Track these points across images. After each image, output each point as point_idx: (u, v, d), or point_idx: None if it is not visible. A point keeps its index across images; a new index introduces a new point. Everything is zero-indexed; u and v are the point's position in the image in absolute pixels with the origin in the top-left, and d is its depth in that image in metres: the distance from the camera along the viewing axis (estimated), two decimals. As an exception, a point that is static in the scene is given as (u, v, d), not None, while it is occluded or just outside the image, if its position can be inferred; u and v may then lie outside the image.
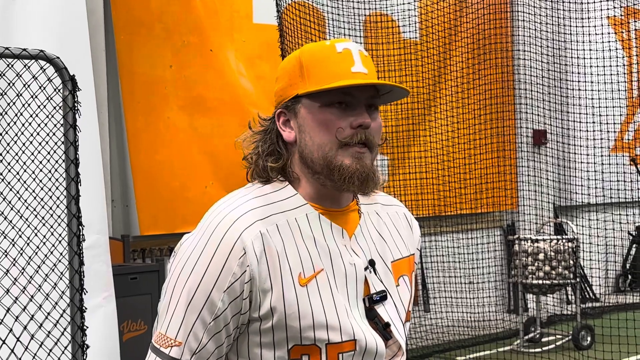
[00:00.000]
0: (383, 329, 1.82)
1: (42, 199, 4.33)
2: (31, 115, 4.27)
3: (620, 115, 10.90)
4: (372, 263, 1.85)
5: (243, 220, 1.75)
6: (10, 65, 4.03)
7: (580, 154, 10.05)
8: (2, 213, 4.26)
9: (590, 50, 9.94)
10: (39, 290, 4.26)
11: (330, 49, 1.82)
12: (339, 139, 1.77)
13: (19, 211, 4.32)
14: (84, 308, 4.12)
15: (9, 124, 4.22)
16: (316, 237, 1.79)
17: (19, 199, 4.31)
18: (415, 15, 9.28)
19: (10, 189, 4.28)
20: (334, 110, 1.78)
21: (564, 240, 8.36)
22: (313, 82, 1.79)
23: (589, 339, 8.45)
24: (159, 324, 1.79)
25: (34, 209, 4.35)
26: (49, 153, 4.29)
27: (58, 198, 4.28)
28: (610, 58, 10.06)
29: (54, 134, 4.26)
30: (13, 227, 4.27)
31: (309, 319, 1.74)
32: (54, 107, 4.22)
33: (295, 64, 1.83)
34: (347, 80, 1.77)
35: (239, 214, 1.76)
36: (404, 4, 9.07)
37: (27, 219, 4.34)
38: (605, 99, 10.02)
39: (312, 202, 1.83)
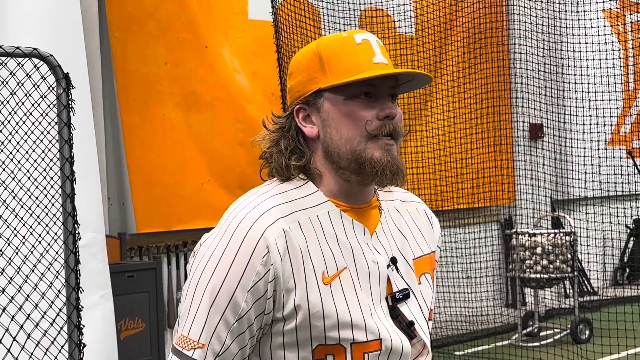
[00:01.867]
0: (407, 327, 1.79)
1: (37, 198, 4.31)
2: (25, 114, 4.25)
3: (617, 108, 10.89)
4: (394, 261, 1.82)
5: (265, 217, 1.70)
6: (3, 64, 4.01)
7: (577, 148, 10.05)
8: (-3, 212, 4.24)
9: (586, 43, 9.93)
10: (35, 289, 4.24)
11: (349, 41, 1.79)
12: (368, 131, 1.74)
13: (14, 210, 4.30)
14: (80, 306, 4.10)
15: (2, 123, 4.19)
16: (338, 235, 1.76)
17: (14, 197, 4.28)
18: (410, 10, 9.27)
19: (5, 188, 4.26)
20: (360, 102, 1.75)
21: (561, 234, 8.36)
22: (336, 75, 1.75)
23: (587, 332, 8.44)
24: (180, 326, 1.74)
25: (29, 208, 4.33)
26: (43, 151, 4.27)
27: (53, 196, 4.26)
28: (607, 51, 10.04)
29: (48, 132, 4.23)
30: (8, 226, 4.25)
31: (334, 318, 1.70)
32: (48, 105, 4.20)
33: (313, 58, 1.79)
34: (373, 71, 1.74)
35: (261, 211, 1.72)
36: (399, -2, 9.06)
37: (22, 218, 4.32)
38: (602, 92, 10.01)
39: (333, 199, 1.79)
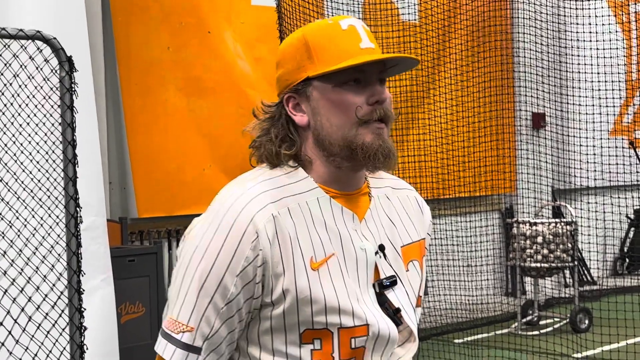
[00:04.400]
0: (393, 314, 1.80)
1: (39, 181, 4.31)
2: (28, 97, 4.24)
3: (619, 98, 10.87)
4: (381, 248, 1.82)
5: (255, 203, 1.71)
6: (7, 46, 4.00)
7: (579, 137, 10.04)
8: (-1, 194, 4.24)
9: (589, 33, 9.90)
10: (36, 272, 4.25)
11: (335, 27, 1.78)
12: (358, 117, 1.74)
13: (15, 192, 4.30)
14: (81, 290, 4.11)
15: (5, 105, 4.19)
16: (327, 222, 1.76)
17: (16, 180, 4.28)
18: (414, -3, 9.24)
19: (7, 171, 4.26)
20: (349, 89, 1.75)
21: (562, 224, 8.36)
22: (324, 63, 1.75)
23: (586, 321, 8.46)
24: (170, 309, 1.76)
25: (31, 191, 4.33)
26: (45, 134, 4.26)
27: (55, 180, 4.26)
28: (610, 41, 10.02)
29: (51, 115, 4.23)
30: (10, 209, 4.25)
31: (321, 303, 1.71)
32: (51, 88, 4.19)
33: (300, 46, 1.79)
34: (362, 57, 1.73)
35: (250, 196, 1.72)
36: (403, -15, 9.03)
37: (24, 201, 4.32)
38: (605, 81, 9.99)
39: (324, 185, 1.79)
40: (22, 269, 4.19)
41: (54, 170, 4.25)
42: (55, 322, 4.21)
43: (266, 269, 1.69)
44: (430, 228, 2.02)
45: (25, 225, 4.28)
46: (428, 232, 2.00)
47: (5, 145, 4.23)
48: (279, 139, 1.79)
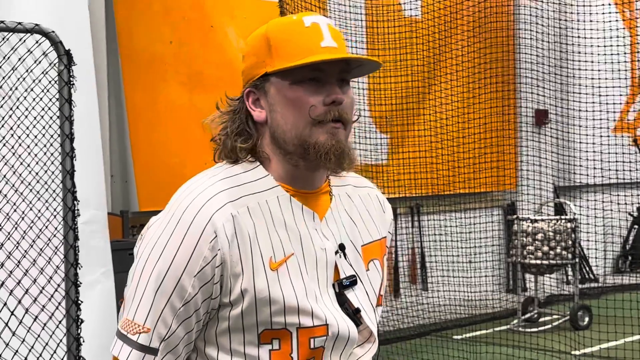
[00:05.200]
0: (353, 314, 1.78)
1: (37, 174, 4.33)
2: (26, 90, 4.26)
3: (622, 95, 10.86)
4: (342, 247, 1.80)
5: (214, 202, 1.69)
6: (5, 39, 4.02)
7: (582, 135, 10.03)
8: (-2, 187, 4.26)
9: (592, 29, 9.88)
10: (33, 264, 4.27)
11: (298, 24, 1.75)
12: (312, 117, 1.71)
13: (13, 185, 4.32)
14: (78, 282, 4.13)
15: (3, 98, 4.21)
16: (287, 221, 1.74)
17: (14, 173, 4.30)
18: (417, -7, 9.24)
19: (6, 163, 4.28)
20: (306, 88, 1.71)
21: (563, 221, 8.36)
22: (282, 59, 1.72)
23: (586, 319, 8.47)
24: (126, 310, 1.73)
25: (29, 184, 4.35)
26: (44, 127, 4.28)
27: (53, 173, 4.28)
28: (613, 38, 10.00)
29: (49, 108, 4.25)
30: (8, 201, 4.27)
31: (280, 303, 1.69)
32: (50, 82, 4.21)
33: (262, 41, 1.76)
34: (318, 56, 1.70)
35: (209, 195, 1.70)
36: (406, -19, 9.03)
37: (22, 193, 4.34)
38: (607, 79, 9.98)
39: (283, 183, 1.77)
40: (19, 262, 4.21)
41: (52, 163, 4.27)
42: (52, 314, 4.23)
43: (225, 269, 1.67)
44: (392, 227, 2.00)
45: (23, 218, 4.30)
46: (389, 231, 1.98)
47: (3, 138, 4.25)
48: (235, 133, 1.78)
